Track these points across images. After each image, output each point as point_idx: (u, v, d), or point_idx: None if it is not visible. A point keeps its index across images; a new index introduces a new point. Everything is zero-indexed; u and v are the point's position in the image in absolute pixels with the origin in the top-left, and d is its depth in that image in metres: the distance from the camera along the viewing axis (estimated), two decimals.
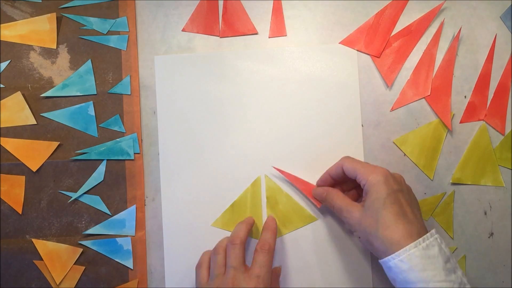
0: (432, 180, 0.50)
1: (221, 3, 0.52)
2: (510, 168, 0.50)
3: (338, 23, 0.51)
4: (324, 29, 0.52)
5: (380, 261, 0.41)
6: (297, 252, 0.50)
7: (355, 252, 0.49)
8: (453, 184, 0.50)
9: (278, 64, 0.51)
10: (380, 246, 0.40)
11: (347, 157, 0.46)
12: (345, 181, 0.48)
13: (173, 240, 0.50)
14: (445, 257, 0.38)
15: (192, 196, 0.50)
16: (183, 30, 0.52)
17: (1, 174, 0.50)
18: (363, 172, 0.42)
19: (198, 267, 0.46)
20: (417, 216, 0.41)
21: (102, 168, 0.50)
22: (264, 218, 0.50)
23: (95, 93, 0.51)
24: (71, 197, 0.50)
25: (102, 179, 0.50)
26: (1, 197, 0.50)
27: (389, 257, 0.39)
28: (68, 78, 0.51)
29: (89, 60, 0.51)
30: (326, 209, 0.50)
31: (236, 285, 0.42)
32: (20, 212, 0.50)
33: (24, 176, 0.50)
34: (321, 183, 0.48)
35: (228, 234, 0.50)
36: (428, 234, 0.39)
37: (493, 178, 0.50)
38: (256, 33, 0.52)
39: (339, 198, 0.45)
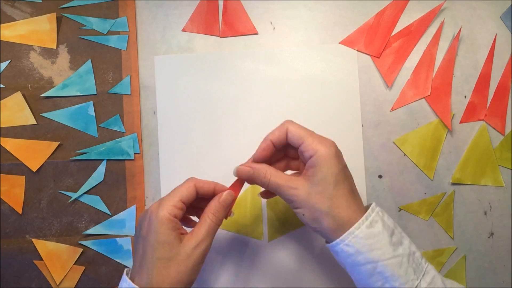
0: (432, 180, 0.50)
1: (221, 3, 0.52)
2: (510, 168, 0.50)
3: (338, 23, 0.52)
4: (324, 29, 0.52)
5: (328, 245, 0.39)
6: (297, 252, 0.50)
7: None
8: (453, 184, 0.50)
9: (278, 64, 0.51)
10: (331, 225, 0.37)
11: (291, 122, 0.40)
12: (278, 151, 0.42)
13: None
14: (389, 231, 0.37)
15: None
16: (183, 30, 0.52)
17: (1, 174, 0.50)
18: (311, 142, 0.38)
19: None
20: (357, 191, 0.40)
21: (102, 168, 0.50)
22: (264, 218, 0.50)
23: (95, 93, 0.51)
24: (71, 197, 0.50)
25: (102, 179, 0.50)
26: (1, 197, 0.50)
27: (334, 242, 0.38)
28: (68, 78, 0.51)
29: (89, 60, 0.51)
30: None
31: None
32: (20, 212, 0.50)
33: (24, 176, 0.50)
34: (262, 152, 0.41)
35: (228, 234, 0.50)
36: (369, 210, 0.38)
37: (493, 178, 0.50)
38: (256, 33, 0.52)
39: (273, 174, 0.39)
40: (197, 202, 0.41)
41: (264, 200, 0.50)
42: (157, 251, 0.37)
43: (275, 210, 0.50)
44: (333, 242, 0.38)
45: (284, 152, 0.43)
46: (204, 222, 0.39)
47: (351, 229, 0.37)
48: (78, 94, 0.51)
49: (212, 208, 0.40)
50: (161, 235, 0.37)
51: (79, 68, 0.51)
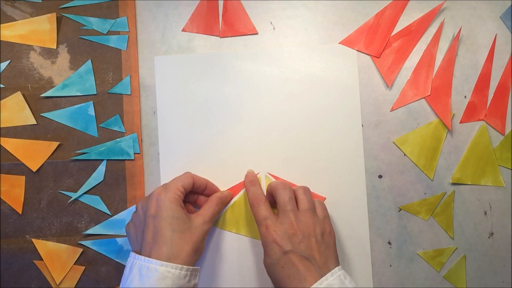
0: (432, 180, 0.50)
1: (221, 3, 0.52)
2: (510, 168, 0.50)
3: (338, 23, 0.52)
4: (324, 29, 0.52)
5: None
6: None
7: (355, 252, 0.49)
8: (453, 184, 0.50)
9: (278, 64, 0.51)
10: None
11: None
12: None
13: None
14: None
15: None
16: (183, 30, 0.52)
17: (1, 174, 0.50)
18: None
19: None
20: (319, 262, 0.40)
21: (102, 168, 0.50)
22: None
23: (95, 93, 0.51)
24: (71, 197, 0.50)
25: (102, 179, 0.50)
26: (1, 197, 0.50)
27: None
28: (68, 78, 0.51)
29: (89, 60, 0.51)
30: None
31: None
32: (20, 212, 0.50)
33: (24, 176, 0.50)
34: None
35: (229, 234, 0.50)
36: (328, 274, 0.39)
37: (493, 178, 0.50)
38: (256, 33, 0.52)
39: (264, 203, 0.45)
40: (189, 196, 0.48)
41: None
42: (172, 224, 0.41)
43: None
44: None
45: None
46: (209, 208, 0.46)
47: None
48: (78, 94, 0.51)
49: (215, 200, 0.47)
50: (173, 211, 0.42)
51: (79, 68, 0.51)
